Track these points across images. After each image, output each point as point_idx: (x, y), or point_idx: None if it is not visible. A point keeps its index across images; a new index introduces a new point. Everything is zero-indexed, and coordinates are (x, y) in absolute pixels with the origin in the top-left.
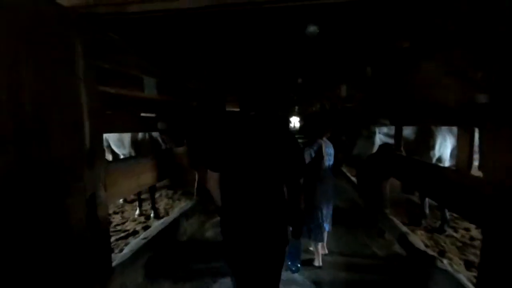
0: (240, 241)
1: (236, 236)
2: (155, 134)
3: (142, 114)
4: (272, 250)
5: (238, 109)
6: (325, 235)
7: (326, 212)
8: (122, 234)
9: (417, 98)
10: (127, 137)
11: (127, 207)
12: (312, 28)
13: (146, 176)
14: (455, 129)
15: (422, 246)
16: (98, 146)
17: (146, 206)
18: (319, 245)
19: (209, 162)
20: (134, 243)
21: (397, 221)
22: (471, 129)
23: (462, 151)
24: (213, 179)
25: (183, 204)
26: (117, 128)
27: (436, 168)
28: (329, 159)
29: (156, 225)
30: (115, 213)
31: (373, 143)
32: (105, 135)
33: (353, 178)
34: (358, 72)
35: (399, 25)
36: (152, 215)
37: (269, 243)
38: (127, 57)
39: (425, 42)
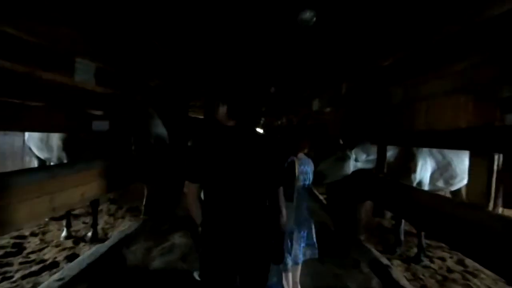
0: (222, 256)
1: (218, 251)
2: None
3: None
4: (257, 265)
5: (201, 116)
6: (297, 268)
7: (297, 240)
8: (34, 268)
9: (410, 116)
10: (55, 137)
11: (52, 225)
12: (307, 15)
13: (79, 190)
14: (435, 151)
15: (406, 283)
16: None
17: (79, 224)
18: (286, 275)
19: (188, 173)
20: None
21: (374, 251)
22: (490, 155)
23: (476, 181)
24: (192, 191)
25: (126, 225)
26: (27, 125)
27: (419, 192)
28: (303, 178)
29: (84, 256)
30: (33, 234)
31: (344, 166)
32: (26, 135)
33: (321, 197)
34: (333, 86)
35: (381, 42)
36: (89, 234)
37: (254, 258)
38: (50, 24)
39: (424, 55)
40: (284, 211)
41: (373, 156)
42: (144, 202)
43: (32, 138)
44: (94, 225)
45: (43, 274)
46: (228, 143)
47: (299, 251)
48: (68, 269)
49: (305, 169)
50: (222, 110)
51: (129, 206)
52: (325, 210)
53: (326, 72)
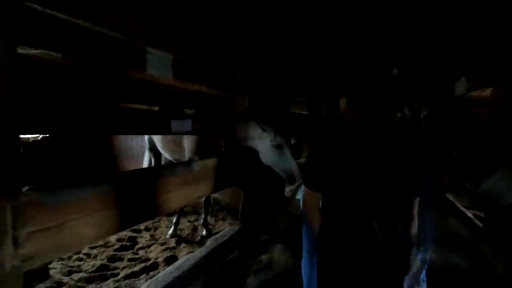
0: (346, 278)
1: (342, 273)
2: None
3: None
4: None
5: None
6: None
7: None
8: (137, 268)
9: None
10: (187, 140)
11: (163, 222)
12: None
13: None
14: None
15: None
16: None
17: (184, 223)
18: None
19: (310, 179)
20: None
21: None
22: None
23: None
24: (312, 201)
25: (225, 228)
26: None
27: None
28: None
29: (173, 267)
30: (146, 229)
31: None
32: (146, 137)
33: (470, 214)
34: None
35: None
36: (203, 233)
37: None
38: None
39: None
40: (417, 222)
41: None
42: (240, 208)
43: (160, 141)
44: (205, 224)
45: (141, 276)
46: (359, 143)
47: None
48: (153, 283)
49: None
50: (343, 103)
51: (232, 207)
52: (481, 236)
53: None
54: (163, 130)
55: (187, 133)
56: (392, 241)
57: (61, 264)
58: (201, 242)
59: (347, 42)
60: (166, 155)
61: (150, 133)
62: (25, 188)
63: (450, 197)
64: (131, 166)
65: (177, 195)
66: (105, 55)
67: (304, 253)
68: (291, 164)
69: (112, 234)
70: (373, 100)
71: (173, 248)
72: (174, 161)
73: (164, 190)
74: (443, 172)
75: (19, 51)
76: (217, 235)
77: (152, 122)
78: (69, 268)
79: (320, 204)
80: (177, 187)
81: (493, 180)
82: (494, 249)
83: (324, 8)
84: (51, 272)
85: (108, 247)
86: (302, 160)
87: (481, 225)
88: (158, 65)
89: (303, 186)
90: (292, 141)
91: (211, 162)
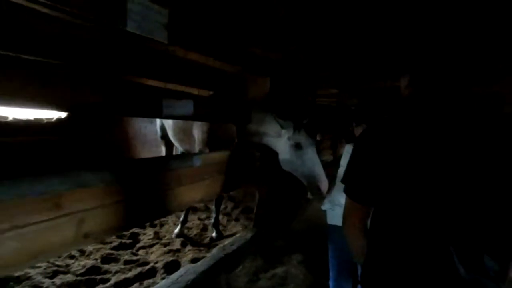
0: None
1: None
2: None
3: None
4: None
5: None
6: None
7: None
8: (131, 273)
9: None
10: (197, 129)
11: (171, 217)
12: None
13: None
14: None
15: None
16: None
17: (194, 220)
18: None
19: (351, 186)
20: None
21: None
22: None
23: None
24: (356, 214)
25: (232, 236)
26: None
27: None
28: None
29: (169, 281)
30: (152, 225)
31: None
32: (158, 124)
33: None
34: None
35: None
36: (213, 235)
37: None
38: None
39: None
40: None
41: None
42: (254, 210)
43: (171, 129)
44: (216, 225)
45: (134, 285)
46: (428, 135)
47: None
48: None
49: None
50: (404, 82)
51: (246, 206)
52: None
53: None
54: (150, 111)
55: (186, 118)
56: (478, 280)
57: (48, 261)
58: (210, 245)
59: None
60: (176, 144)
61: (129, 114)
62: None
63: None
64: (144, 153)
65: (187, 192)
66: None
67: (332, 282)
68: (315, 169)
69: (88, 243)
70: (451, 75)
71: (177, 250)
72: (185, 151)
73: (171, 184)
74: None
75: None
76: (225, 243)
77: (132, 99)
78: (55, 268)
79: (368, 222)
80: (189, 181)
81: None
82: None
83: None
84: (34, 271)
85: (106, 243)
86: (328, 158)
87: None
88: (144, 20)
89: (335, 195)
90: (318, 137)
91: (222, 155)
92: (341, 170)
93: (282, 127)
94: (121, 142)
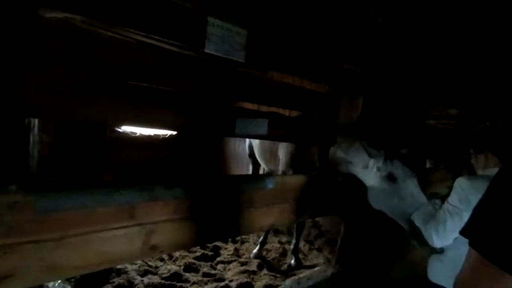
0: None
1: None
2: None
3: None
4: None
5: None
6: None
7: None
8: (205, 287)
9: None
10: (282, 151)
11: (252, 237)
12: None
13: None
14: None
15: None
16: None
17: (274, 243)
18: None
19: (495, 244)
20: None
21: None
22: None
23: None
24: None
25: (311, 269)
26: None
27: None
28: None
29: None
30: (233, 241)
31: None
32: (249, 140)
33: None
34: None
35: None
36: (292, 262)
37: None
38: None
39: None
40: None
41: None
42: (338, 244)
43: (258, 148)
44: (295, 252)
45: None
46: None
47: None
48: None
49: None
50: None
51: (332, 237)
52: None
53: None
54: (224, 130)
55: (260, 137)
56: None
57: (144, 260)
58: (287, 273)
59: None
60: (262, 164)
61: (205, 133)
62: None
63: None
64: (237, 170)
65: (259, 215)
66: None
67: None
68: (417, 205)
69: (154, 255)
70: None
71: (253, 272)
72: (270, 171)
73: (242, 205)
74: None
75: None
76: (302, 276)
77: (206, 118)
78: (147, 268)
79: None
80: (261, 204)
81: None
82: None
83: None
84: (130, 267)
85: (191, 252)
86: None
87: None
88: (222, 41)
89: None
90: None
91: (300, 179)
92: (449, 209)
93: (370, 156)
94: (218, 160)
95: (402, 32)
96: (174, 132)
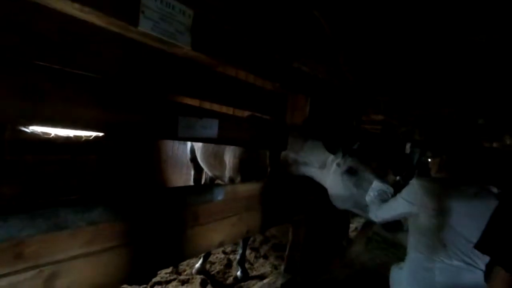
0: None
1: None
2: None
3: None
4: None
5: None
6: None
7: None
8: None
9: None
10: (228, 154)
11: None
12: None
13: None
14: None
15: None
16: None
17: (218, 253)
18: None
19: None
20: None
21: None
22: None
23: None
24: None
25: (260, 283)
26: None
27: None
28: None
29: None
30: None
31: None
32: (188, 146)
33: None
34: None
35: None
36: (238, 273)
37: None
38: None
39: None
40: None
41: None
42: (287, 252)
43: (201, 152)
44: (241, 262)
45: None
46: None
47: None
48: None
49: None
50: None
51: (278, 242)
52: None
53: None
54: (163, 131)
55: (207, 140)
56: None
57: None
58: (233, 287)
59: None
60: (206, 169)
61: (136, 135)
62: None
63: None
64: (175, 176)
65: (206, 232)
66: None
67: None
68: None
69: None
70: None
71: None
72: (215, 178)
73: (185, 224)
74: None
75: None
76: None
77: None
78: None
79: None
80: (208, 220)
81: None
82: None
83: None
84: None
85: None
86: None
87: None
88: (161, 19)
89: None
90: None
91: (251, 188)
92: (399, 199)
93: (332, 153)
94: (152, 164)
95: (344, 36)
96: (100, 134)
